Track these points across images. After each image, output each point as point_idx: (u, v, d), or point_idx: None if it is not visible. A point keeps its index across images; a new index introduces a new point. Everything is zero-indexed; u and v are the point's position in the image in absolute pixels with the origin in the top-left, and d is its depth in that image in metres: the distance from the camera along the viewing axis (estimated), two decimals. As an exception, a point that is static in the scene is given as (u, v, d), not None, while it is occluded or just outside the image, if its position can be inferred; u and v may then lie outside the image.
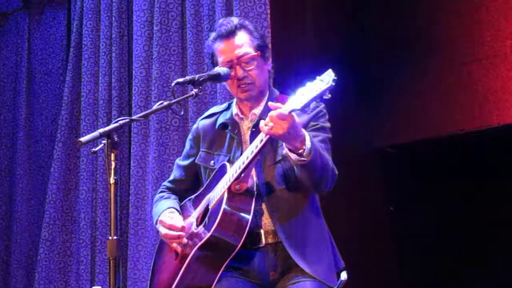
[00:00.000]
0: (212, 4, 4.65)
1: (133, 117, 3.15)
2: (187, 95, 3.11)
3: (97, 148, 2.93)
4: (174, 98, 3.07)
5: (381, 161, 5.61)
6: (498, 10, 4.93)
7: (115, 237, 2.81)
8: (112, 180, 2.82)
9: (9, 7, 5.90)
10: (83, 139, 2.83)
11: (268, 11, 4.42)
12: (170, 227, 3.12)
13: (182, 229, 3.11)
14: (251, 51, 3.14)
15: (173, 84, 3.09)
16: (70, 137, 5.24)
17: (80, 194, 5.12)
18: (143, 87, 4.88)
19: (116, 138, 2.86)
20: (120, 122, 2.92)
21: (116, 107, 5.01)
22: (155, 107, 3.07)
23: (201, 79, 3.08)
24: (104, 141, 2.85)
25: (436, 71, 5.26)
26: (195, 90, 3.09)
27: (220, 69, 3.11)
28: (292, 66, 4.87)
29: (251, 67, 3.13)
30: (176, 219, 3.16)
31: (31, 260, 5.44)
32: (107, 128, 2.86)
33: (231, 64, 3.14)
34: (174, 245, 3.14)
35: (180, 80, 3.11)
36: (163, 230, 3.15)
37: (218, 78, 3.12)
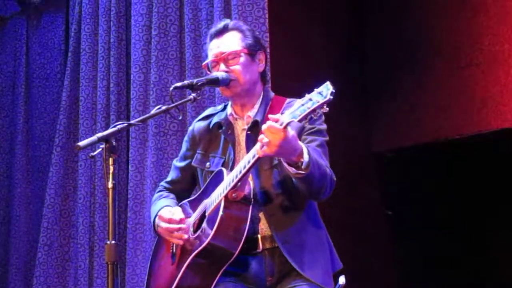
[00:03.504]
0: (211, 9, 4.65)
1: (131, 122, 3.17)
2: (186, 99, 3.12)
3: (95, 153, 2.94)
4: (173, 103, 3.07)
5: (379, 165, 5.61)
6: (496, 15, 4.93)
7: (113, 242, 2.81)
8: (110, 185, 2.83)
9: (7, 12, 5.90)
10: (81, 143, 2.83)
11: (266, 15, 4.43)
12: (170, 221, 3.11)
13: (181, 221, 3.10)
14: (236, 48, 3.14)
15: (171, 88, 3.09)
16: (68, 142, 5.24)
17: (78, 199, 5.11)
18: (141, 92, 4.88)
19: (114, 143, 2.86)
20: (118, 126, 2.92)
21: (114, 111, 5.00)
22: (153, 111, 3.07)
23: (200, 83, 3.09)
24: (102, 146, 2.86)
25: (434, 75, 5.26)
26: (193, 95, 3.09)
27: (219, 74, 3.11)
28: (291, 70, 4.87)
29: (234, 63, 3.12)
30: (176, 213, 3.14)
31: (29, 264, 5.43)
32: (105, 133, 2.87)
33: (216, 60, 3.15)
34: (175, 240, 3.12)
35: (178, 84, 3.12)
36: (163, 225, 3.13)
37: (216, 82, 3.11)
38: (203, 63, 3.24)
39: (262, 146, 2.76)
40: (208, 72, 3.20)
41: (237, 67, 3.12)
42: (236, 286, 3.06)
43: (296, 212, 3.07)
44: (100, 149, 2.87)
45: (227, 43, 3.15)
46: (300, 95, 2.78)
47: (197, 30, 4.74)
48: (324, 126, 3.10)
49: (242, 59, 3.13)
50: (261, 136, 2.76)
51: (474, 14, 5.05)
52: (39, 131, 5.61)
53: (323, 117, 3.10)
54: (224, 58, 3.13)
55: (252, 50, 3.16)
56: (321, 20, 5.38)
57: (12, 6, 5.85)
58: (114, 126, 2.92)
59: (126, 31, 5.10)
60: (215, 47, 3.17)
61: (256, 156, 2.82)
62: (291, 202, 3.05)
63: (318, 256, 3.06)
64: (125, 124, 3.00)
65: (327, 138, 3.10)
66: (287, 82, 4.47)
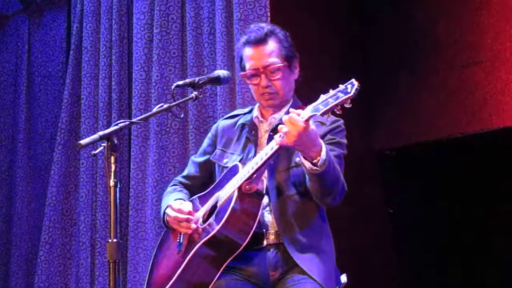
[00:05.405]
0: (212, 7, 4.65)
1: (133, 120, 3.17)
2: (187, 97, 3.13)
3: (97, 151, 2.95)
4: (174, 101, 3.09)
5: (380, 164, 5.61)
6: (498, 13, 4.92)
7: (115, 240, 2.81)
8: (112, 183, 2.83)
9: (9, 10, 5.91)
10: (83, 141, 2.84)
11: (268, 13, 4.43)
12: (179, 211, 3.13)
13: (190, 213, 3.12)
14: (278, 61, 3.14)
15: (173, 86, 3.11)
16: (70, 140, 5.24)
17: (80, 197, 5.11)
18: (143, 90, 4.88)
19: (116, 141, 2.86)
20: (120, 124, 2.92)
21: (116, 109, 5.01)
22: (155, 109, 3.08)
23: (201, 81, 3.11)
24: (104, 144, 2.86)
25: (436, 73, 5.25)
26: (195, 93, 3.10)
27: (221, 72, 3.14)
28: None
29: (276, 77, 3.14)
30: (186, 206, 3.16)
31: (31, 262, 5.43)
32: (107, 131, 2.87)
33: (257, 72, 3.15)
34: (184, 229, 3.13)
35: (180, 82, 3.13)
36: (172, 213, 3.16)
37: (218, 81, 3.14)
38: (242, 73, 3.23)
39: (281, 136, 2.78)
40: (247, 81, 3.21)
41: (279, 82, 3.14)
42: (238, 282, 3.08)
43: (306, 213, 3.09)
44: (102, 147, 2.87)
45: (269, 56, 3.14)
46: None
47: (198, 28, 4.75)
48: (344, 141, 3.15)
49: (283, 73, 3.15)
50: (280, 126, 2.80)
51: (476, 12, 5.04)
52: (40, 129, 5.61)
53: (345, 132, 3.16)
54: (266, 71, 3.14)
55: (291, 61, 3.18)
56: (323, 19, 5.37)
57: (14, 4, 5.86)
58: (116, 124, 2.92)
59: (128, 29, 5.10)
60: (255, 59, 3.16)
61: (275, 147, 2.84)
62: (302, 203, 3.08)
63: (324, 258, 3.08)
64: (127, 122, 3.00)
65: (345, 152, 3.14)
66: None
